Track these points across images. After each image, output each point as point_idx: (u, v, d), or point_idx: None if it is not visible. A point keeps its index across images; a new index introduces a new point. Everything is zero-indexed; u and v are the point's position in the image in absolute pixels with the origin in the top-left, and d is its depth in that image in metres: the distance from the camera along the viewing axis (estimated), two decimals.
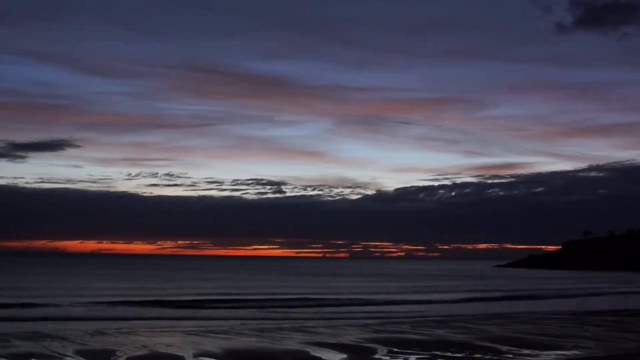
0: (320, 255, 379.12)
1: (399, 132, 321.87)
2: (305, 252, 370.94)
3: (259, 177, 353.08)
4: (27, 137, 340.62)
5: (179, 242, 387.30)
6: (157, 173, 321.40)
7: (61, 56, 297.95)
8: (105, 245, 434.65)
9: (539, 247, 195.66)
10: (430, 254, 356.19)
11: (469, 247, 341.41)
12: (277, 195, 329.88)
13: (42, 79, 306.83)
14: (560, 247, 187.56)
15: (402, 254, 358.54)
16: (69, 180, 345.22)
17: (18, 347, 20.37)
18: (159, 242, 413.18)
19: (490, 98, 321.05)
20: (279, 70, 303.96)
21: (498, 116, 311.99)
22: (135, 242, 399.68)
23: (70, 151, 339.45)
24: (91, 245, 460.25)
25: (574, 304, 45.72)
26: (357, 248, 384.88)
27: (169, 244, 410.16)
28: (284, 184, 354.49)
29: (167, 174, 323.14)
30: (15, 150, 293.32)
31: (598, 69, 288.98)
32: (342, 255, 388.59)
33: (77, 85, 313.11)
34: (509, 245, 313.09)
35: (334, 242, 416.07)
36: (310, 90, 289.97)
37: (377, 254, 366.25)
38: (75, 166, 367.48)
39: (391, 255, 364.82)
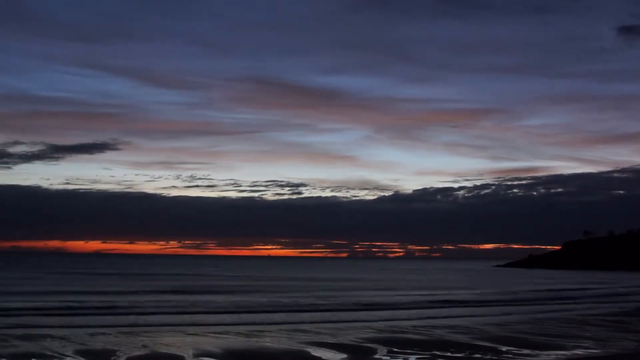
0: (322, 255, 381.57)
1: (432, 139, 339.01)
2: (307, 252, 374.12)
3: (280, 180, 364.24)
4: (72, 141, 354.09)
5: (184, 242, 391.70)
6: (180, 175, 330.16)
7: (131, 70, 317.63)
8: (106, 245, 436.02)
9: (548, 247, 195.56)
10: (433, 255, 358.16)
11: (474, 247, 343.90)
12: (294, 196, 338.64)
13: (108, 90, 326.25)
14: (559, 247, 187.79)
15: (399, 254, 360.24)
16: (95, 182, 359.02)
17: (18, 347, 20.37)
18: (160, 242, 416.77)
19: (526, 109, 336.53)
20: (335, 83, 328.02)
21: (530, 125, 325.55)
22: (137, 242, 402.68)
23: (107, 154, 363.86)
24: (95, 245, 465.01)
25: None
26: (360, 248, 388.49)
27: (172, 243, 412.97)
28: (304, 185, 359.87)
29: (190, 176, 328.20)
30: (52, 153, 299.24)
31: (631, 82, 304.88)
32: (343, 255, 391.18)
33: (139, 96, 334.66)
34: (516, 246, 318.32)
35: (336, 242, 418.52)
36: (359, 102, 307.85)
37: (380, 254, 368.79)
38: (105, 168, 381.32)
39: (392, 255, 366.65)
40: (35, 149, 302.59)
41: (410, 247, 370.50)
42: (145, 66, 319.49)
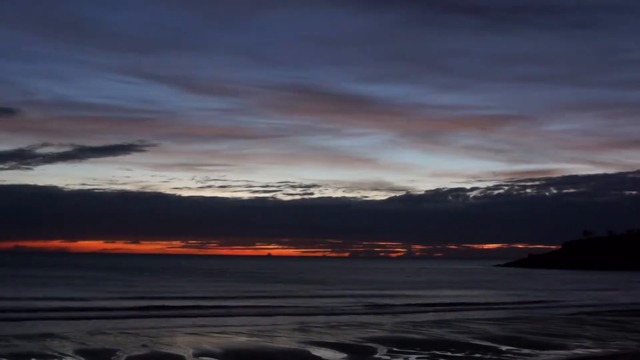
0: (322, 254, 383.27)
1: (453, 143, 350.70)
2: (309, 252, 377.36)
3: (294, 181, 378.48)
4: (100, 143, 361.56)
5: (188, 241, 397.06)
6: (195, 176, 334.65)
7: (174, 78, 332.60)
8: (109, 245, 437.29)
9: (553, 247, 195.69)
10: (435, 254, 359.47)
11: (478, 246, 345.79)
12: (306, 197, 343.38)
13: (148, 97, 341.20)
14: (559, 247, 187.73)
15: (401, 253, 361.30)
16: (112, 183, 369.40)
17: (18, 347, 20.36)
18: (164, 242, 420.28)
19: (548, 115, 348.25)
20: (369, 91, 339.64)
21: (550, 130, 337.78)
22: (142, 241, 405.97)
23: (132, 156, 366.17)
24: (98, 244, 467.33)
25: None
26: (362, 248, 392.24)
27: (175, 243, 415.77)
28: (316, 186, 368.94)
29: (205, 177, 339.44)
30: (76, 154, 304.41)
31: None
32: (345, 255, 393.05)
33: (177, 102, 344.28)
34: (520, 245, 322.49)
35: (339, 241, 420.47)
36: (389, 108, 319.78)
37: (382, 254, 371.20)
38: (126, 169, 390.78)
39: (394, 255, 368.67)
40: (61, 150, 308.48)
41: (414, 246, 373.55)
42: (189, 75, 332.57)
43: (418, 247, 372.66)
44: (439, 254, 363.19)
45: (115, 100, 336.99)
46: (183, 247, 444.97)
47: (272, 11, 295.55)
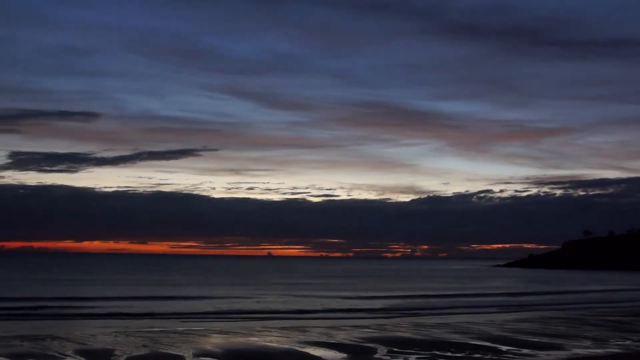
0: (324, 254, 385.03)
1: (495, 151, 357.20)
2: (311, 252, 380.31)
3: (322, 185, 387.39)
4: (160, 148, 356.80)
5: (192, 242, 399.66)
6: (228, 180, 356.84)
7: (256, 95, 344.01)
8: (115, 246, 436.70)
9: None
10: (440, 254, 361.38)
11: (485, 247, 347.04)
12: (334, 198, 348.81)
13: (227, 111, 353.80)
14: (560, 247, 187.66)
15: (399, 254, 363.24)
16: (149, 184, 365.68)
17: (18, 347, 20.36)
18: (172, 242, 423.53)
19: (594, 129, 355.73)
20: (435, 107, 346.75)
21: (591, 141, 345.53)
22: (150, 242, 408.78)
23: (184, 160, 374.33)
24: (102, 245, 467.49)
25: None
26: (367, 248, 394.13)
27: (183, 243, 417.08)
28: (343, 189, 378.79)
29: (237, 181, 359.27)
30: (127, 158, 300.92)
31: None
32: (349, 254, 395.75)
33: (253, 116, 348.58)
34: (528, 246, 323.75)
35: (344, 242, 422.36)
36: (449, 122, 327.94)
37: (388, 254, 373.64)
38: (168, 172, 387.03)
39: (399, 254, 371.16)
40: (116, 154, 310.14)
41: (421, 247, 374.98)
42: (274, 92, 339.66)
43: (424, 247, 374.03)
44: (444, 254, 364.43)
45: (194, 113, 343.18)
46: (187, 247, 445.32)
47: (371, 43, 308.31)
